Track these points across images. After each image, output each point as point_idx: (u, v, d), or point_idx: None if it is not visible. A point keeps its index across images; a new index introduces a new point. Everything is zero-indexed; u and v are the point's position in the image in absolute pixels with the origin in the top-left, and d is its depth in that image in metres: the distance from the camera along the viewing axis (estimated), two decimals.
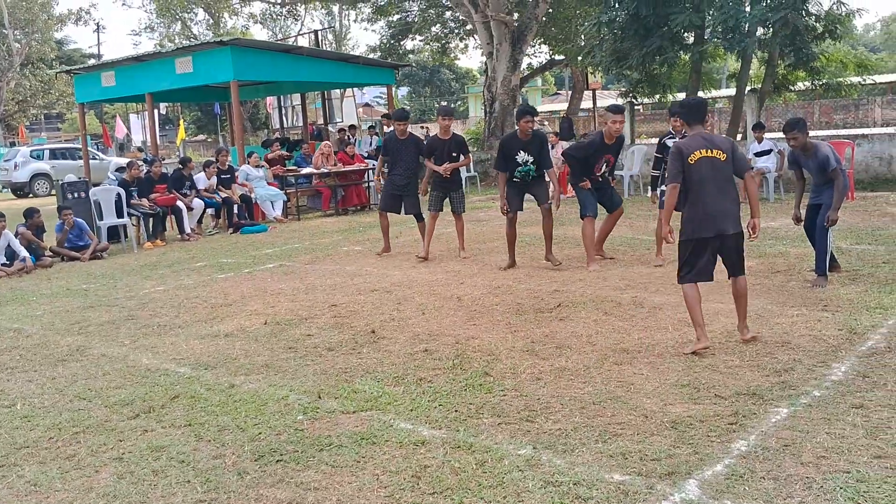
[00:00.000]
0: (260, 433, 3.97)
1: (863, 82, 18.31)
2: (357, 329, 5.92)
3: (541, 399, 4.24)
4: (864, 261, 7.25)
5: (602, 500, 3.08)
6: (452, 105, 62.15)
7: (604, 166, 7.90)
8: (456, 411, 4.13)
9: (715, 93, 31.27)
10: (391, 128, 9.65)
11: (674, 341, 5.15)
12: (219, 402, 4.48)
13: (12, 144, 36.73)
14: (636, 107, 18.97)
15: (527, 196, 8.22)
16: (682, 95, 19.06)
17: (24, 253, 9.90)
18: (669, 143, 7.49)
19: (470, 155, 9.15)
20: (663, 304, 6.13)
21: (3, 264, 9.69)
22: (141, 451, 3.84)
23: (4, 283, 9.02)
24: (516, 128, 7.89)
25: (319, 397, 4.45)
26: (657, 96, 17.93)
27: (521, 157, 7.77)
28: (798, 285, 6.49)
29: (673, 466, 3.32)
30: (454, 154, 8.68)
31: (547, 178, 8.19)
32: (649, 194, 7.90)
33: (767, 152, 12.81)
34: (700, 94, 18.50)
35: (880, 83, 36.71)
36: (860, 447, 3.38)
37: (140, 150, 27.97)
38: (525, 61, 26.35)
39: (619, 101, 17.36)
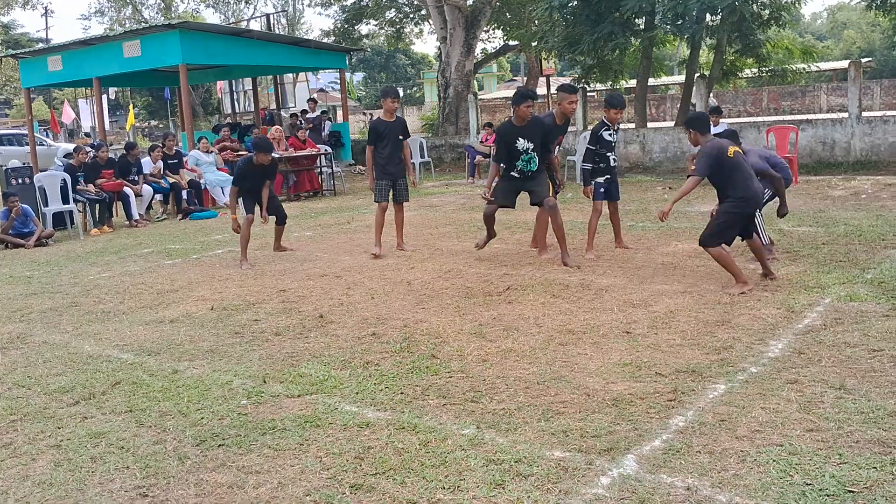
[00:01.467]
0: (202, 418, 3.93)
1: (808, 69, 18.70)
2: (305, 314, 5.88)
3: (486, 380, 4.27)
4: (805, 242, 7.43)
5: (542, 476, 3.12)
6: (408, 91, 61.95)
7: (556, 149, 7.91)
8: (402, 393, 4.14)
9: (666, 79, 31.63)
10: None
11: (618, 322, 5.22)
12: (161, 387, 4.42)
13: None
14: (589, 93, 19.11)
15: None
16: (633, 82, 19.28)
17: None
18: (606, 136, 7.42)
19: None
20: (609, 287, 6.21)
21: None
22: (80, 438, 3.77)
23: None
24: (511, 116, 7.43)
25: (264, 382, 4.42)
26: (609, 82, 18.11)
27: (522, 144, 7.20)
28: (741, 266, 6.62)
29: (612, 443, 3.37)
30: (401, 137, 8.15)
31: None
32: (583, 188, 7.73)
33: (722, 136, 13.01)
34: (651, 80, 18.76)
35: (826, 70, 37.57)
36: (793, 421, 3.48)
37: (88, 135, 27.33)
38: (479, 46, 26.35)
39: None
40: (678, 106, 19.35)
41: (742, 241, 6.15)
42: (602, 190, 7.61)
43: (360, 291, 6.53)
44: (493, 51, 30.76)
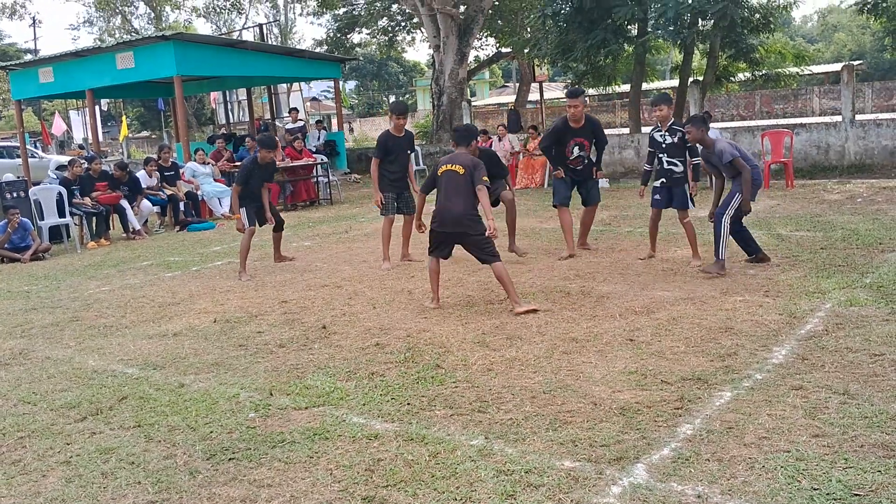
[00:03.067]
0: (211, 432, 3.94)
1: (800, 73, 18.83)
2: (308, 325, 5.90)
3: (492, 390, 4.29)
4: (804, 247, 7.48)
5: (553, 486, 3.14)
6: (400, 98, 62.05)
7: (575, 150, 7.83)
8: (408, 404, 4.15)
9: (659, 84, 31.78)
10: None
11: (622, 329, 5.25)
12: (168, 401, 4.43)
13: None
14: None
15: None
16: (626, 87, 19.36)
17: None
18: (657, 136, 7.39)
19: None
20: (610, 293, 6.25)
21: None
22: (89, 454, 3.78)
23: None
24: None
25: (271, 394, 4.44)
26: (602, 87, 18.18)
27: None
28: (740, 272, 6.67)
29: (621, 452, 3.39)
30: (409, 151, 8.25)
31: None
32: (639, 188, 7.83)
33: None
34: (644, 85, 18.85)
35: (818, 73, 37.83)
36: (799, 427, 3.51)
37: (81, 147, 27.30)
38: (472, 54, 26.44)
39: (562, 93, 17.57)
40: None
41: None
42: (656, 196, 7.43)
43: (361, 301, 6.55)
44: (485, 58, 30.87)
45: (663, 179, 7.37)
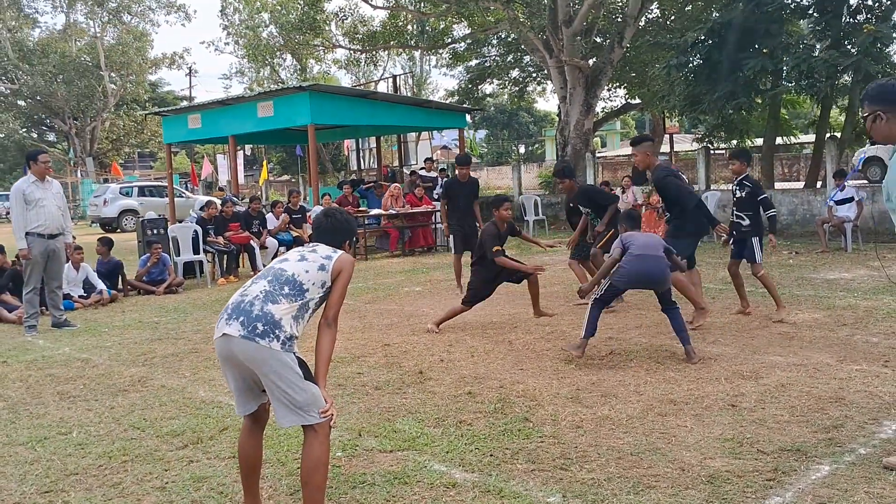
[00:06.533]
0: (298, 468, 4.05)
1: None
2: (406, 369, 5.99)
3: (578, 447, 4.20)
4: None
5: None
6: (530, 148, 62.40)
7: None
8: (491, 455, 4.14)
9: (800, 139, 30.44)
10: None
11: (724, 393, 5.03)
12: (264, 435, 4.59)
13: (105, 181, 38.61)
14: (711, 151, 18.66)
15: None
16: (760, 141, 18.72)
17: (100, 285, 10.40)
18: (732, 189, 7.53)
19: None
20: (719, 356, 6.01)
21: (81, 296, 10.18)
22: (184, 482, 3.97)
23: (80, 314, 9.47)
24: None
25: (360, 435, 4.53)
26: (735, 141, 17.65)
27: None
28: (862, 340, 6.26)
29: None
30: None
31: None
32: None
33: (848, 200, 12.42)
34: (778, 140, 18.17)
35: None
36: None
37: (222, 189, 29.05)
38: (600, 105, 26.36)
39: (692, 145, 17.20)
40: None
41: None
42: (732, 247, 7.59)
43: (461, 349, 6.59)
44: (614, 109, 30.67)
45: (734, 232, 7.49)
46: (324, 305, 3.43)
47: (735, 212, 7.41)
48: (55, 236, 8.30)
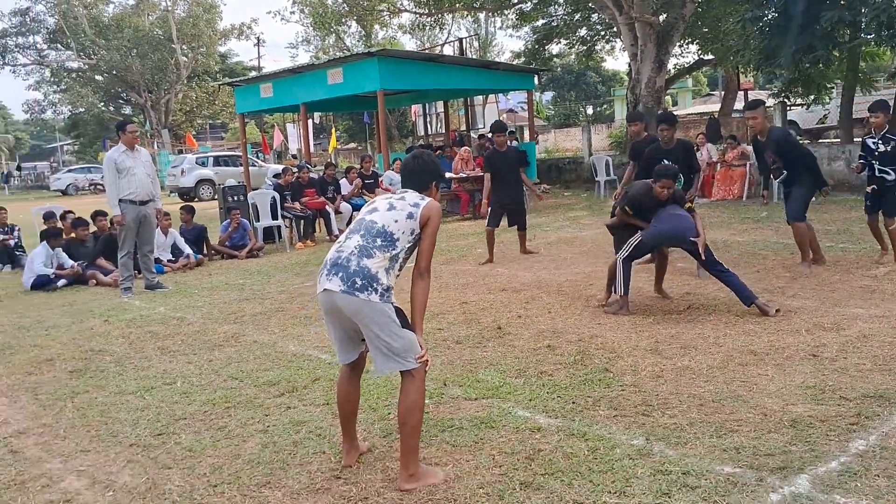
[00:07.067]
0: (389, 413, 4.28)
1: None
2: (484, 325, 6.16)
3: (659, 395, 4.30)
4: None
5: (710, 489, 3.15)
6: (598, 108, 61.40)
7: (772, 161, 7.56)
8: (573, 403, 4.28)
9: (876, 92, 29.24)
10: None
11: (805, 344, 5.04)
12: None
13: (180, 152, 39.76)
14: (788, 107, 18.12)
15: None
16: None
17: (187, 250, 10.86)
18: (870, 142, 7.39)
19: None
20: (800, 308, 5.99)
21: (170, 260, 10.66)
22: (283, 425, 4.24)
23: (170, 277, 9.92)
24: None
25: (445, 385, 4.72)
26: (812, 96, 17.11)
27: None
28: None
29: (786, 462, 3.33)
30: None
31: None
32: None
33: None
34: (857, 93, 17.53)
35: None
36: None
37: (294, 157, 29.59)
38: (672, 62, 25.78)
39: (768, 101, 16.77)
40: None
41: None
42: (868, 203, 7.52)
43: (537, 306, 6.72)
44: (686, 65, 29.94)
45: (874, 186, 7.37)
46: (414, 254, 3.55)
47: (879, 166, 7.30)
48: (146, 202, 8.71)
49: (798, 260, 7.68)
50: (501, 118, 26.29)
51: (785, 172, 7.48)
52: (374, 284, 3.31)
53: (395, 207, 3.50)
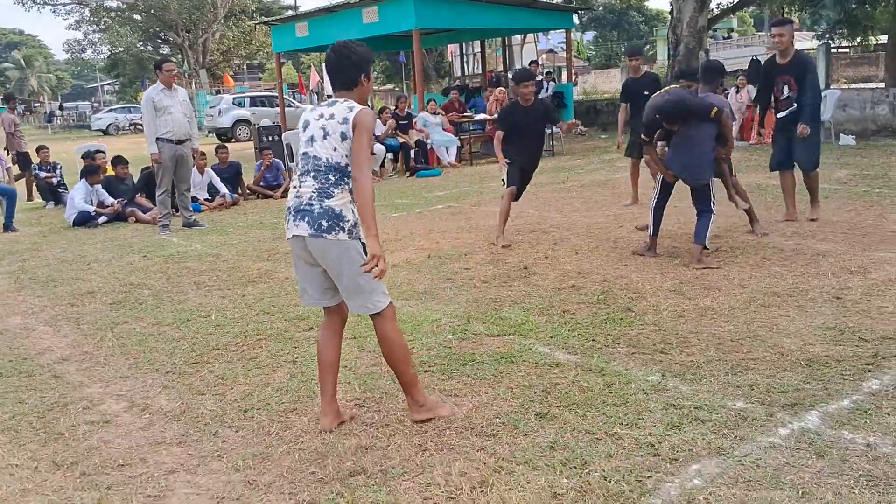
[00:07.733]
0: (413, 348, 4.41)
1: None
2: (511, 265, 6.24)
3: (678, 334, 4.37)
4: None
5: (720, 422, 3.23)
6: (641, 48, 60.06)
7: (785, 89, 7.15)
8: (593, 340, 4.37)
9: None
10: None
11: (830, 287, 5.06)
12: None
13: (217, 92, 39.88)
14: (833, 49, 17.59)
15: None
16: (884, 38, 17.51)
17: (223, 189, 11.04)
18: None
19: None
20: (827, 252, 5.97)
21: (206, 199, 10.86)
22: (311, 357, 4.37)
23: (207, 215, 10.12)
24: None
25: (468, 321, 4.84)
26: (858, 38, 16.60)
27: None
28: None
29: (798, 399, 3.40)
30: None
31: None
32: None
33: None
34: None
35: None
36: None
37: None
38: (715, 0, 25.06)
39: (812, 42, 16.25)
40: None
41: None
42: None
43: (565, 247, 6.77)
44: (730, 5, 29.07)
45: None
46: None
47: None
48: (183, 142, 8.86)
49: (832, 206, 7.62)
50: (540, 59, 25.92)
51: (795, 105, 7.06)
52: (341, 223, 3.27)
53: (328, 132, 3.30)
